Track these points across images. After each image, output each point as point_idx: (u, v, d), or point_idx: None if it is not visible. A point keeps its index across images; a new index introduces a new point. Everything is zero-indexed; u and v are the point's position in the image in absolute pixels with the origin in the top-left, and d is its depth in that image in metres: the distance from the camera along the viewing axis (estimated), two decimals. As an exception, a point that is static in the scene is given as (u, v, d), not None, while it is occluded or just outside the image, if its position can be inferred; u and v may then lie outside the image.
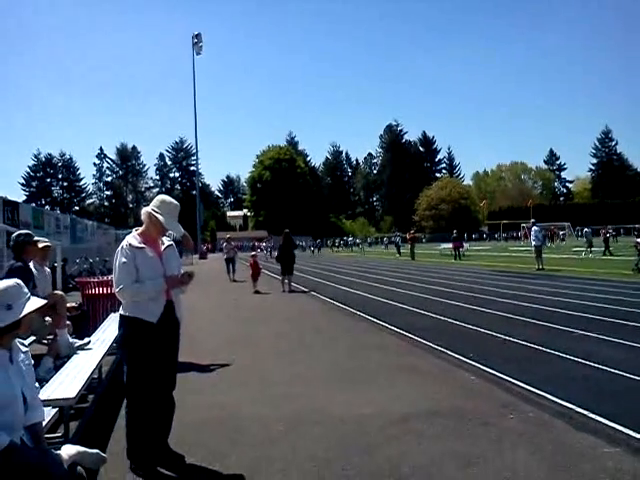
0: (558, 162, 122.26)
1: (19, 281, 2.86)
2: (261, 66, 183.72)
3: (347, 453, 4.14)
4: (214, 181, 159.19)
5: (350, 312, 12.09)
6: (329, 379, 6.41)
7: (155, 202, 4.04)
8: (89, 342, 5.96)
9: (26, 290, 2.87)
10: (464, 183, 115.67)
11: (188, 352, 6.44)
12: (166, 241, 4.14)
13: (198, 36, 57.12)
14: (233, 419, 5.03)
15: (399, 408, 5.17)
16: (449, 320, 10.21)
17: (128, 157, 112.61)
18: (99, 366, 5.66)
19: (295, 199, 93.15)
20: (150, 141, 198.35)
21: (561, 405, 5.12)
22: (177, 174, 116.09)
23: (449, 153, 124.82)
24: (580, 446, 4.16)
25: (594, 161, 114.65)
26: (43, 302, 2.95)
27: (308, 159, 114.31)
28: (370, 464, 3.93)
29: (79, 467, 2.71)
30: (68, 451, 2.72)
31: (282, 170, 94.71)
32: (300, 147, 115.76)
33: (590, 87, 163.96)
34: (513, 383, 5.92)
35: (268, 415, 5.09)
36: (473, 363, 6.87)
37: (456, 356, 7.29)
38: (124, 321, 3.97)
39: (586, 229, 33.51)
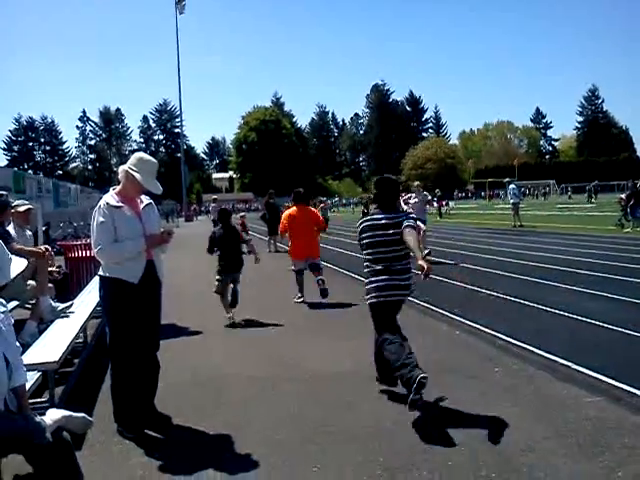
0: (544, 120, 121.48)
1: (1, 242, 2.77)
2: (246, 25, 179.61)
3: (328, 410, 4.16)
4: (199, 143, 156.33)
5: (334, 270, 12.08)
6: (311, 335, 6.47)
7: (132, 160, 3.93)
8: (72, 305, 5.89)
9: (7, 252, 2.79)
10: (450, 143, 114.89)
11: (170, 314, 6.38)
12: (145, 200, 4.03)
13: (180, -6, 55.35)
14: (216, 379, 5.02)
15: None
16: (433, 276, 10.20)
17: (111, 120, 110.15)
18: (83, 329, 5.61)
19: (281, 160, 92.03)
20: (133, 103, 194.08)
21: (544, 357, 5.19)
22: (161, 136, 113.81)
23: (436, 113, 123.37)
24: (563, 397, 4.22)
25: (580, 119, 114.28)
26: (25, 262, 2.87)
27: (294, 120, 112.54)
28: (351, 420, 3.95)
29: (64, 432, 2.66)
30: (53, 416, 2.65)
31: (268, 131, 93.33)
32: (286, 108, 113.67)
33: (577, 45, 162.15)
34: (497, 336, 5.98)
35: (251, 374, 5.09)
36: (457, 318, 6.91)
37: (440, 311, 7.33)
38: (104, 282, 3.89)
39: None
